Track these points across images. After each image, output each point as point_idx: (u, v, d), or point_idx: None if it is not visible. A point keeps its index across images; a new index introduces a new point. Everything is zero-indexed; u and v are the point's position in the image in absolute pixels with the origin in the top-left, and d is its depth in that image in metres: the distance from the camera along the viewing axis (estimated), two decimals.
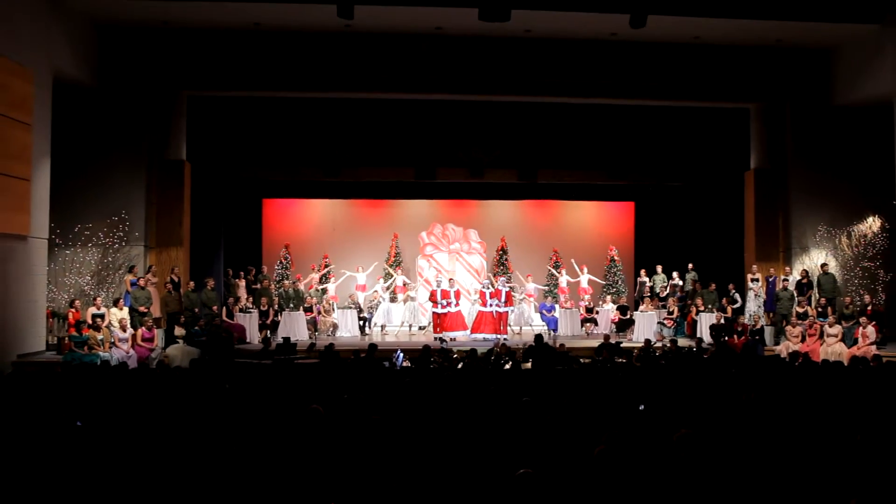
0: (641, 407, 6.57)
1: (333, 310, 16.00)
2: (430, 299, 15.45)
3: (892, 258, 14.37)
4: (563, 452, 4.86)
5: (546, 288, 18.03)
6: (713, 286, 15.37)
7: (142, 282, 13.51)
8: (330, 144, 16.96)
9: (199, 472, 4.50)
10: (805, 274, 14.85)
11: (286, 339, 12.28)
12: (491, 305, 15.05)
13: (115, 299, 13.34)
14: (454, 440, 5.17)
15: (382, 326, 16.38)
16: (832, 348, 12.89)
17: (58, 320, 13.31)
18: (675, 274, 16.55)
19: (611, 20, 13.56)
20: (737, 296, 15.07)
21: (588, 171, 17.58)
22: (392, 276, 17.43)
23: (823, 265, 14.76)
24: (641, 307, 15.91)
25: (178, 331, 13.09)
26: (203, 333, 12.98)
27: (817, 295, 14.63)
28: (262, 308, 15.01)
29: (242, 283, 15.77)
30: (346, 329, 15.91)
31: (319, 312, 15.59)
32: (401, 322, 16.55)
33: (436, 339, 14.04)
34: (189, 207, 15.16)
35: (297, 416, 5.68)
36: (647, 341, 12.92)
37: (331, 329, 15.60)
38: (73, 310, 12.70)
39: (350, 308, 16.16)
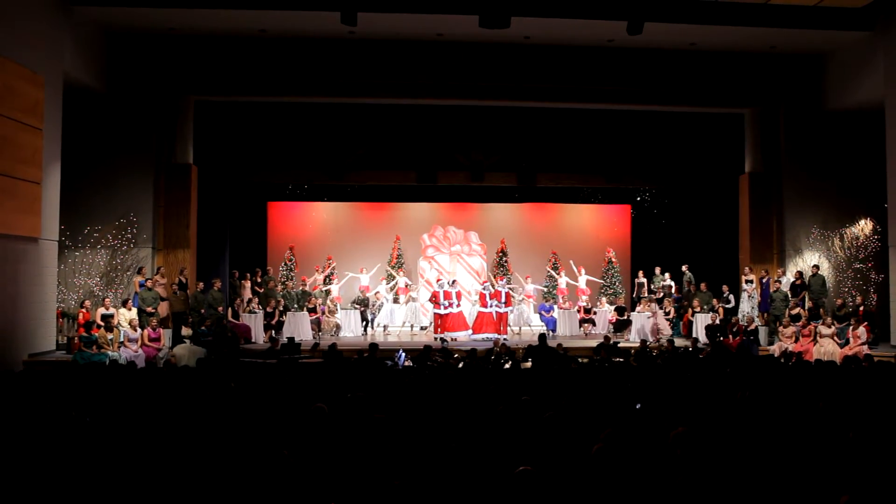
0: (638, 406, 6.61)
1: (337, 310, 16.12)
2: (431, 300, 15.56)
3: (883, 260, 14.45)
4: (562, 450, 4.88)
5: (545, 289, 18.20)
6: (704, 286, 15.60)
7: (150, 283, 13.66)
8: (334, 149, 17.12)
9: (205, 469, 4.55)
10: (799, 275, 14.91)
11: (291, 339, 12.42)
12: (491, 306, 15.15)
13: (124, 300, 13.49)
14: (455, 438, 5.13)
15: (385, 327, 16.53)
16: (825, 348, 12.89)
17: (67, 320, 13.44)
18: (667, 275, 16.77)
19: (608, 27, 13.73)
20: (731, 296, 15.24)
21: (586, 175, 17.76)
22: (394, 277, 17.54)
23: (814, 266, 14.88)
24: (638, 308, 16.00)
25: (185, 331, 13.15)
26: (209, 333, 13.13)
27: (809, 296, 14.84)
28: (267, 309, 15.10)
29: (248, 284, 15.90)
30: (350, 329, 16.04)
31: (323, 313, 15.69)
32: (402, 322, 16.69)
33: (437, 339, 14.16)
34: (196, 210, 15.34)
35: (302, 415, 5.75)
36: (644, 341, 13.10)
37: (334, 329, 15.71)
38: (83, 310, 12.85)
39: (353, 309, 16.32)
